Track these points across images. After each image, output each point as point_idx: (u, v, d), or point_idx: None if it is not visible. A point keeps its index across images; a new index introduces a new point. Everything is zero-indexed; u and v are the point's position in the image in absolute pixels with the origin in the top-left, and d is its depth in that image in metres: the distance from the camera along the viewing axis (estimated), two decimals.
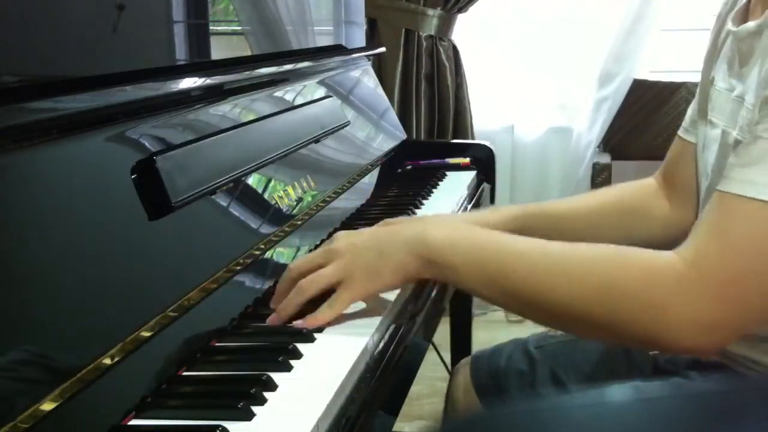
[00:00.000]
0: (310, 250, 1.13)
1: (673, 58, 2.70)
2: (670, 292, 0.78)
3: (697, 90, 1.11)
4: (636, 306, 0.79)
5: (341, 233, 0.95)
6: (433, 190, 1.53)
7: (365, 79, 1.79)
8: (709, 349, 0.82)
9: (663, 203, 1.16)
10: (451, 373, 1.33)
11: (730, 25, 0.97)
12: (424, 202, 1.44)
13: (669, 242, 1.17)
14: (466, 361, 1.26)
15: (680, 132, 1.15)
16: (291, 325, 0.88)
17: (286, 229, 1.09)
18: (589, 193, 1.29)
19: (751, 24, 0.90)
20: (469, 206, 1.53)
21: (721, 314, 0.77)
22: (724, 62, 0.99)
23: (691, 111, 1.13)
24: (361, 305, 0.93)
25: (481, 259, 0.88)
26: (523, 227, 1.15)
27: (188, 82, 1.03)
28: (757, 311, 0.79)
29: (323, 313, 0.88)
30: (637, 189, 1.20)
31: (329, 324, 0.88)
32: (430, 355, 1.56)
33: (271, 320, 0.89)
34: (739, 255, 0.77)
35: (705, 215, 0.81)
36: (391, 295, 0.96)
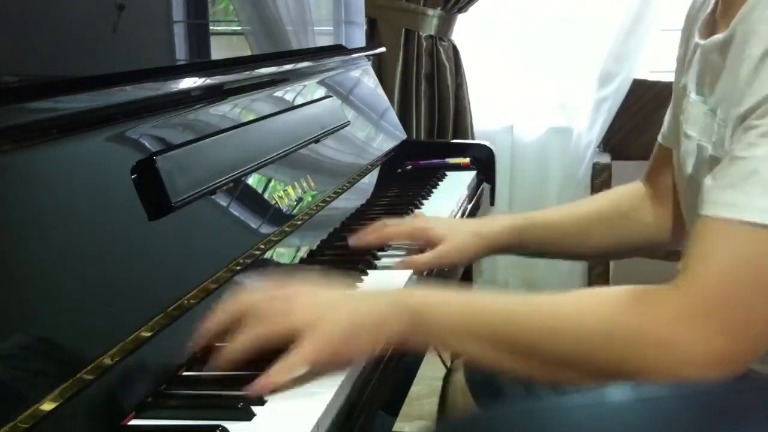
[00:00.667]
0: (311, 250, 1.13)
1: (673, 58, 2.69)
2: (674, 328, 0.75)
3: (672, 97, 1.11)
4: (642, 347, 0.76)
5: (298, 282, 0.85)
6: (433, 190, 1.53)
7: (365, 79, 1.79)
8: (723, 377, 0.80)
9: (650, 207, 1.17)
10: (446, 373, 1.33)
11: (697, 37, 0.96)
12: (424, 202, 1.44)
13: (658, 245, 1.17)
14: (461, 360, 1.26)
15: (659, 138, 1.15)
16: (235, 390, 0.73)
17: (286, 229, 1.09)
18: (579, 201, 1.30)
19: (718, 37, 0.88)
20: (469, 206, 1.53)
21: (730, 344, 0.75)
22: (695, 74, 0.97)
23: (667, 117, 1.13)
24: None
25: (472, 316, 0.82)
26: (517, 238, 1.16)
27: (188, 82, 1.03)
28: (765, 333, 0.76)
29: (280, 370, 0.74)
30: (625, 194, 1.20)
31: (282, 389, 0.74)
32: (430, 355, 1.55)
33: (212, 367, 0.76)
34: (736, 279, 0.75)
35: (694, 243, 0.79)
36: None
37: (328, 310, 0.78)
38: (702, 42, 0.93)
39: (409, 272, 1.06)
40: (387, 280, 1.04)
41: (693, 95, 0.97)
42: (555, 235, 1.18)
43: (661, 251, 0.81)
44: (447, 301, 0.83)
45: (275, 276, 0.94)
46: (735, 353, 0.76)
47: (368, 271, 1.07)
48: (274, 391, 0.73)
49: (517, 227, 1.17)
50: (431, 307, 0.82)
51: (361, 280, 1.03)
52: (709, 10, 0.96)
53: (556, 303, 0.82)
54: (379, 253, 1.13)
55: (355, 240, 1.12)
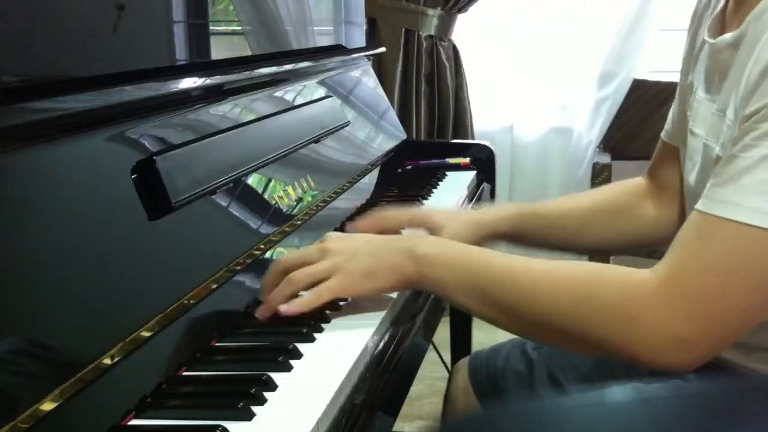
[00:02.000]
0: None
1: (673, 58, 2.69)
2: (644, 307, 0.79)
3: (677, 92, 1.11)
4: (610, 319, 0.81)
5: (333, 234, 0.96)
6: (433, 190, 1.53)
7: (365, 79, 1.79)
8: (682, 365, 0.82)
9: (652, 203, 1.17)
10: (450, 373, 1.33)
11: (706, 35, 0.96)
12: (424, 202, 1.44)
13: (659, 242, 1.18)
14: (464, 361, 1.26)
15: (663, 135, 1.15)
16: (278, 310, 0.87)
17: (286, 229, 1.09)
18: (581, 193, 1.30)
19: (727, 36, 0.89)
20: (470, 206, 1.53)
21: (695, 332, 0.78)
22: (703, 72, 0.97)
23: (672, 114, 1.13)
24: (359, 306, 0.93)
25: (468, 271, 0.89)
26: (517, 227, 1.16)
27: (188, 82, 1.03)
28: (733, 329, 0.79)
29: (308, 298, 0.88)
30: (627, 189, 1.20)
31: (314, 319, 0.88)
32: (430, 355, 1.55)
33: (261, 311, 0.89)
34: (714, 275, 0.77)
35: (682, 233, 0.82)
36: (392, 295, 0.96)
37: (351, 255, 0.90)
38: (711, 40, 0.93)
39: None
40: None
41: (701, 93, 0.97)
42: (555, 226, 1.18)
43: (662, 249, 0.82)
44: (449, 254, 0.91)
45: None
46: (704, 341, 0.79)
47: None
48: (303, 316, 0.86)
49: (517, 216, 1.17)
50: (433, 258, 0.90)
51: None
52: (719, 7, 0.96)
53: (545, 266, 0.87)
54: None
55: (355, 228, 1.12)
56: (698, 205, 0.80)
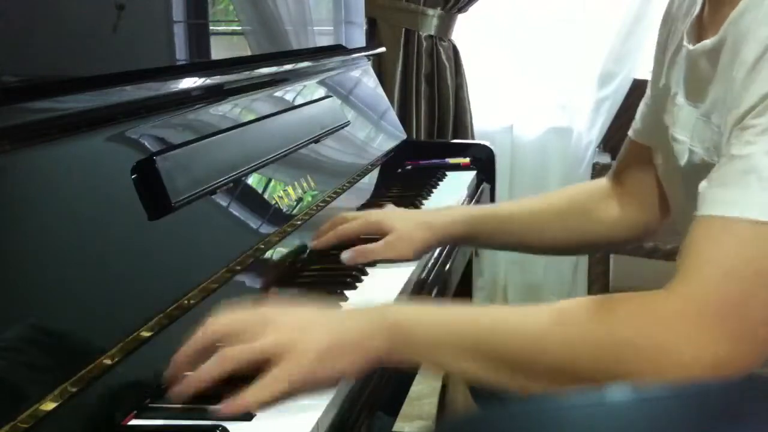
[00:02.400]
0: (310, 251, 1.13)
1: None
2: (669, 332, 0.72)
3: (648, 92, 1.09)
4: (637, 354, 0.73)
5: (272, 303, 0.84)
6: (433, 190, 1.53)
7: (365, 79, 1.79)
8: (733, 377, 0.75)
9: (613, 205, 1.16)
10: (446, 373, 1.33)
11: (685, 41, 0.96)
12: (424, 202, 1.44)
13: (616, 244, 1.17)
14: None
15: (631, 134, 1.13)
16: (212, 407, 0.70)
17: (286, 229, 1.09)
18: (540, 195, 1.28)
19: (707, 42, 0.88)
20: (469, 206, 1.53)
21: (734, 348, 0.72)
22: (682, 78, 0.96)
23: (641, 113, 1.11)
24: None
25: (452, 329, 0.78)
26: (469, 229, 1.17)
27: (188, 82, 1.03)
28: (766, 341, 0.73)
29: (253, 393, 0.70)
30: (588, 190, 1.20)
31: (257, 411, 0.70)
32: None
33: (180, 389, 0.71)
34: (736, 279, 0.71)
35: (689, 244, 0.75)
36: (391, 295, 0.96)
37: (302, 330, 0.74)
38: (691, 47, 0.92)
39: (399, 287, 1.02)
40: (374, 297, 0.98)
41: (680, 99, 0.96)
42: (508, 229, 1.18)
43: (624, 248, 0.80)
44: (427, 314, 0.79)
45: (251, 299, 0.91)
46: (740, 357, 0.72)
47: (356, 284, 1.02)
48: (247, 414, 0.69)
49: (470, 219, 1.17)
50: (411, 321, 0.77)
51: (346, 299, 0.97)
52: (695, 12, 0.96)
53: (539, 315, 0.78)
54: (368, 269, 1.08)
55: (317, 244, 1.11)
56: (702, 211, 0.76)
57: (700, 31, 0.94)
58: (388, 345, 0.75)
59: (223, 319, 0.75)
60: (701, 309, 0.71)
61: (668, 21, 1.05)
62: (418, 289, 1.09)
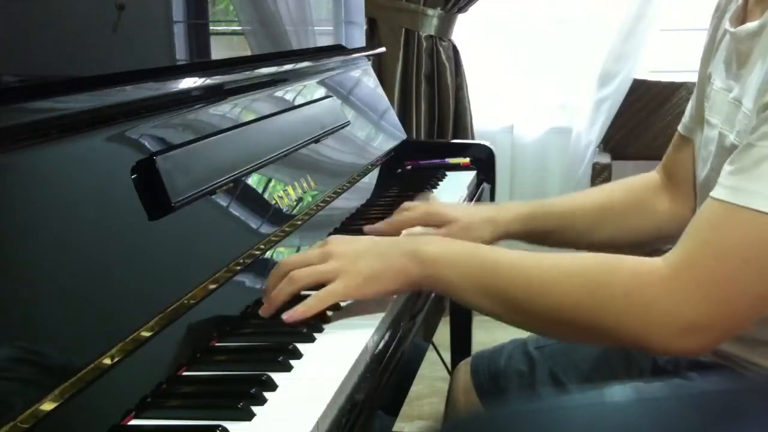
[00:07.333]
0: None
1: (673, 58, 2.70)
2: (656, 294, 0.79)
3: (696, 84, 1.11)
4: (622, 308, 0.80)
5: (336, 236, 0.95)
6: (433, 190, 1.53)
7: (365, 79, 1.79)
8: (694, 350, 0.82)
9: (666, 198, 1.17)
10: (452, 373, 1.34)
11: (727, 25, 0.97)
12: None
13: (672, 237, 1.18)
14: (466, 361, 1.26)
15: (680, 128, 1.15)
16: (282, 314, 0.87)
17: (286, 229, 1.09)
18: (593, 188, 1.31)
19: (750, 25, 0.89)
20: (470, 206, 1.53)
21: (707, 316, 0.78)
22: (722, 62, 0.98)
23: (690, 107, 1.13)
24: (360, 306, 0.92)
25: (475, 270, 0.89)
26: (529, 226, 1.16)
27: (188, 82, 1.03)
28: (744, 315, 0.79)
29: (309, 302, 0.87)
30: (641, 184, 1.20)
31: (314, 319, 0.87)
32: (430, 355, 1.55)
33: (263, 309, 0.89)
34: (727, 261, 0.77)
35: (695, 221, 0.82)
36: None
37: (357, 258, 0.89)
38: (733, 30, 0.93)
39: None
40: None
41: (718, 83, 0.98)
42: (564, 225, 1.18)
43: (673, 244, 0.82)
44: (454, 254, 0.90)
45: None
46: (719, 321, 0.78)
47: None
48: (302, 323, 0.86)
49: (528, 215, 1.17)
50: (438, 258, 0.89)
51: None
52: (741, 0, 0.97)
53: (554, 260, 0.87)
54: None
55: (370, 230, 1.12)
56: (713, 193, 0.80)
57: (744, 15, 0.95)
58: (419, 278, 0.90)
59: (292, 256, 0.97)
60: (688, 279, 0.78)
61: (718, 12, 1.06)
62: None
